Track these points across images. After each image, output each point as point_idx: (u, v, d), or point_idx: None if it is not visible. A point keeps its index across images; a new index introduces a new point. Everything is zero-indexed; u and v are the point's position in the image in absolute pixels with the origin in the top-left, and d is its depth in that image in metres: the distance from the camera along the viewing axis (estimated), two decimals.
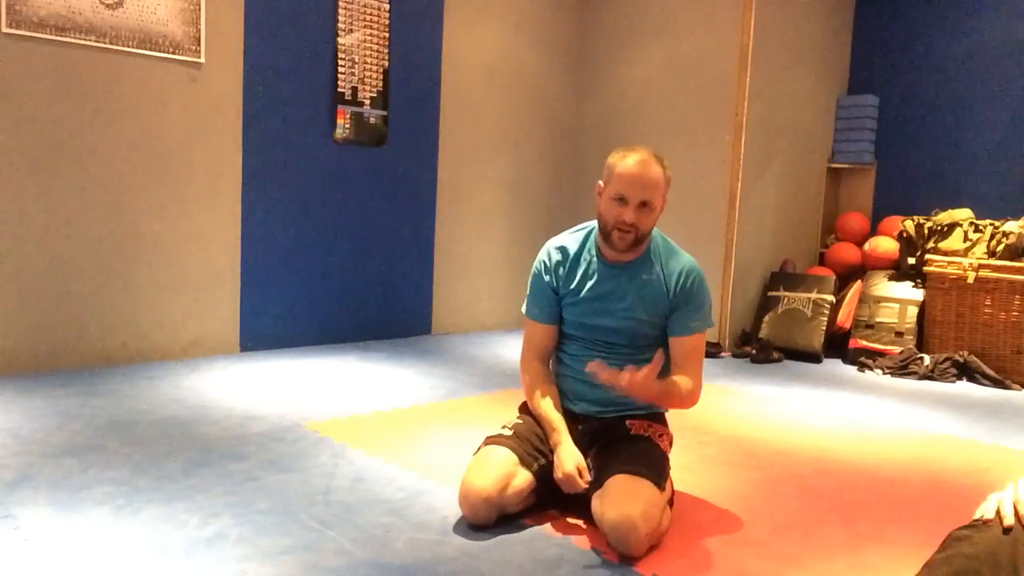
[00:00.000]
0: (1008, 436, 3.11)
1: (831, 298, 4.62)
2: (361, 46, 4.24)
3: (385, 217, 4.47)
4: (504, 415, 2.31)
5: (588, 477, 1.95)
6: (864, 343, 4.51)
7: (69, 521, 1.89)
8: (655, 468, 1.93)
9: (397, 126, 4.45)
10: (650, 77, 5.00)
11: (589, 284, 2.08)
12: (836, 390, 3.83)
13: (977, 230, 4.37)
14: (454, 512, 2.02)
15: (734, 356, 4.61)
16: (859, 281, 4.74)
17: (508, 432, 2.06)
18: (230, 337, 3.93)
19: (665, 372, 2.10)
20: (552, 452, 2.01)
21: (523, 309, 2.21)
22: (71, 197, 3.41)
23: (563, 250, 2.15)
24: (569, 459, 1.95)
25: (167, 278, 3.70)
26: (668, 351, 2.09)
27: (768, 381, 3.98)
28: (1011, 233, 4.22)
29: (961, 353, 4.21)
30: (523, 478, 1.97)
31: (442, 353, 4.26)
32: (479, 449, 2.05)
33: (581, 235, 2.16)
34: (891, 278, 4.66)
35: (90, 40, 3.38)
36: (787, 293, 4.75)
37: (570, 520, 2.03)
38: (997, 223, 4.35)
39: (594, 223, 2.12)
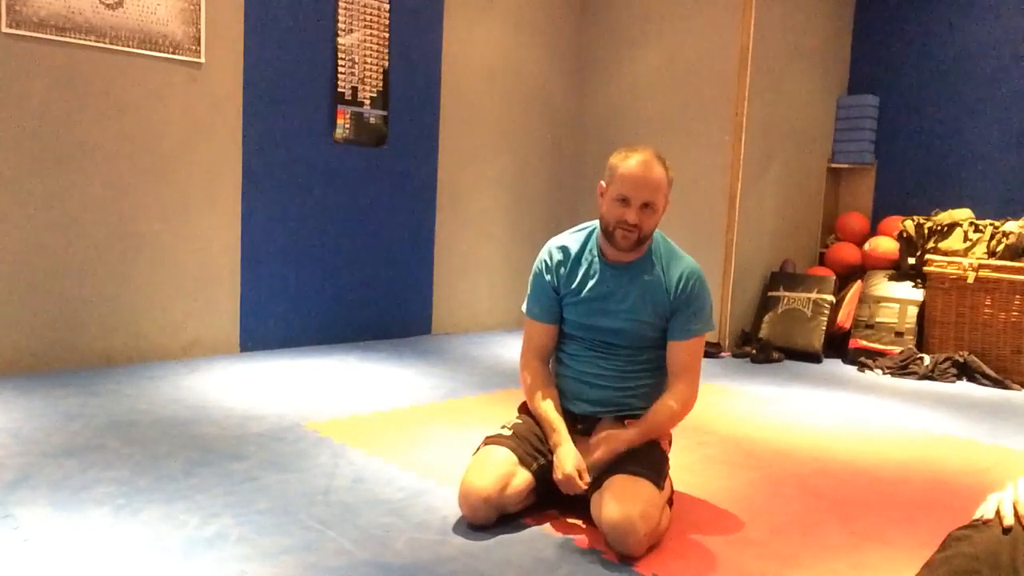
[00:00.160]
0: (1008, 436, 3.11)
1: (831, 298, 4.62)
2: (361, 46, 4.24)
3: (385, 217, 4.47)
4: (504, 415, 2.31)
5: (588, 478, 1.95)
6: (864, 343, 4.51)
7: (69, 521, 1.89)
8: (654, 468, 1.93)
9: (397, 126, 4.45)
10: (650, 77, 5.00)
11: (590, 284, 2.08)
12: (836, 390, 3.83)
13: (977, 230, 4.37)
14: (454, 512, 2.02)
15: (734, 356, 4.61)
16: (859, 281, 4.74)
17: (507, 432, 2.06)
18: (230, 337, 3.93)
19: (661, 374, 2.10)
20: (552, 452, 2.01)
21: (523, 308, 2.21)
22: (71, 197, 3.41)
23: (564, 250, 2.14)
24: (569, 460, 1.95)
25: (167, 278, 3.70)
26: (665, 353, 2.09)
27: (768, 381, 3.98)
28: (1011, 233, 4.22)
29: (961, 353, 4.21)
30: (522, 478, 1.97)
31: (442, 353, 4.26)
32: (478, 449, 2.05)
33: (583, 235, 2.16)
34: (891, 278, 4.66)
35: (90, 40, 3.38)
36: (787, 293, 4.75)
37: (570, 520, 2.03)
38: (997, 223, 4.35)
39: (596, 223, 2.12)
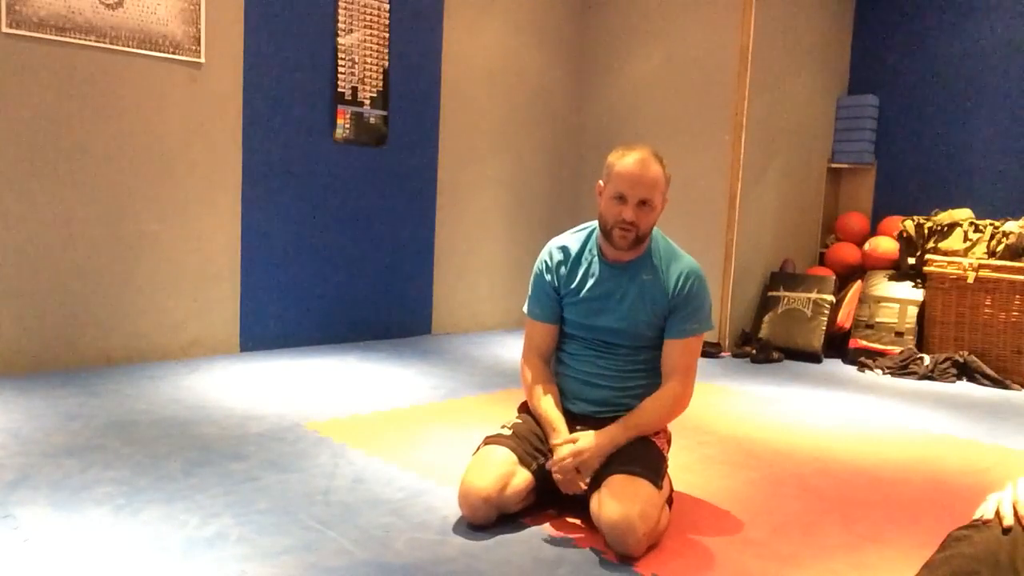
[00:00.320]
0: (1008, 436, 3.11)
1: (831, 298, 4.62)
2: (361, 46, 4.24)
3: (385, 217, 4.47)
4: (504, 415, 2.32)
5: (587, 478, 1.95)
6: (864, 343, 4.51)
7: (69, 521, 1.89)
8: (652, 467, 1.93)
9: (397, 126, 4.45)
10: (650, 77, 5.00)
11: (589, 283, 2.08)
12: (836, 390, 3.83)
13: (977, 230, 4.37)
14: (454, 512, 2.02)
15: (734, 356, 4.61)
16: (859, 281, 4.74)
17: (507, 432, 2.06)
18: (230, 337, 3.93)
19: (657, 373, 2.10)
20: (552, 452, 2.01)
21: (524, 308, 2.21)
22: (71, 197, 3.41)
23: (564, 250, 2.15)
24: (568, 449, 1.95)
25: (167, 278, 3.71)
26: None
27: (768, 381, 3.98)
28: (1011, 233, 4.22)
29: (961, 353, 4.21)
30: (522, 477, 1.97)
31: (442, 353, 4.26)
32: (478, 449, 2.05)
33: (583, 235, 2.16)
34: (891, 278, 4.66)
35: (90, 40, 3.38)
36: (787, 293, 4.75)
37: (570, 520, 2.03)
38: (997, 223, 4.35)
39: (596, 223, 2.12)
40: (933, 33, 4.98)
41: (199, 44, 3.67)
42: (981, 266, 4.21)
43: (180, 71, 3.65)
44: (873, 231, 5.09)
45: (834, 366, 4.46)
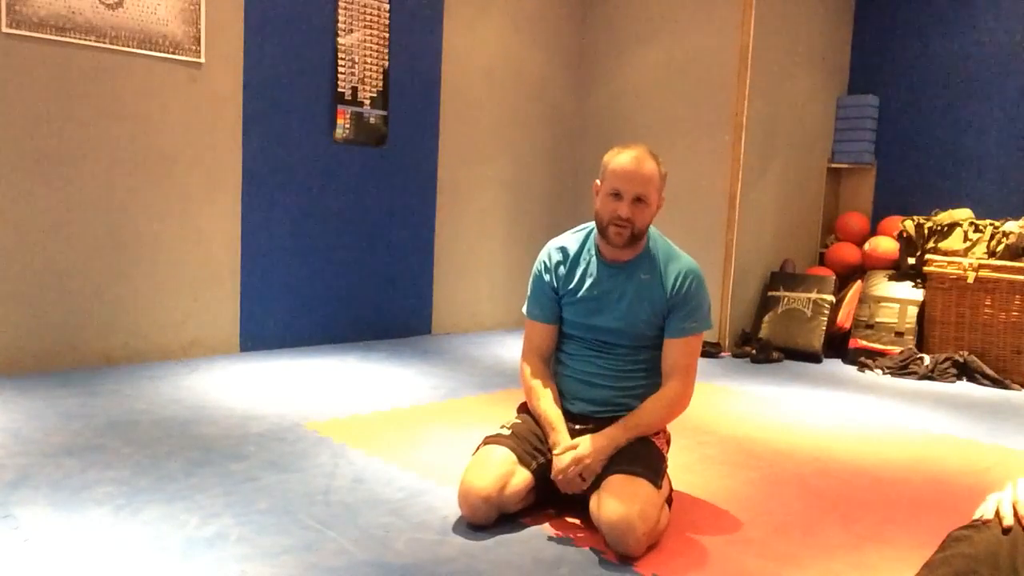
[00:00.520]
0: (1008, 436, 3.12)
1: (831, 298, 4.62)
2: (361, 46, 4.24)
3: (385, 217, 4.47)
4: (504, 415, 2.32)
5: (589, 481, 1.95)
6: (864, 343, 4.51)
7: (69, 521, 1.89)
8: (652, 467, 1.93)
9: (397, 126, 4.45)
10: (650, 77, 5.00)
11: (588, 283, 2.09)
12: (836, 390, 3.83)
13: (977, 230, 4.37)
14: (454, 512, 2.02)
15: (734, 356, 4.61)
16: (859, 281, 4.74)
17: (507, 432, 2.06)
18: (230, 337, 3.93)
19: (656, 373, 2.10)
20: (551, 452, 2.01)
21: (524, 309, 2.21)
22: (71, 197, 3.41)
23: (563, 250, 2.15)
24: (569, 460, 1.95)
25: (167, 278, 3.71)
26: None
27: (768, 381, 3.98)
28: (1011, 233, 4.22)
29: (961, 353, 4.21)
30: (522, 477, 1.97)
31: (442, 353, 4.26)
32: (478, 449, 2.05)
33: (581, 235, 2.17)
34: (891, 278, 4.66)
35: (90, 40, 3.38)
36: (787, 293, 4.75)
37: (569, 520, 2.03)
38: (997, 223, 4.35)
39: (594, 223, 2.12)
40: (933, 33, 4.98)
41: (199, 44, 3.67)
42: (981, 266, 4.21)
43: (180, 71, 3.65)
44: (873, 231, 5.09)
45: (834, 366, 4.46)
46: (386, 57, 4.35)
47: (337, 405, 3.08)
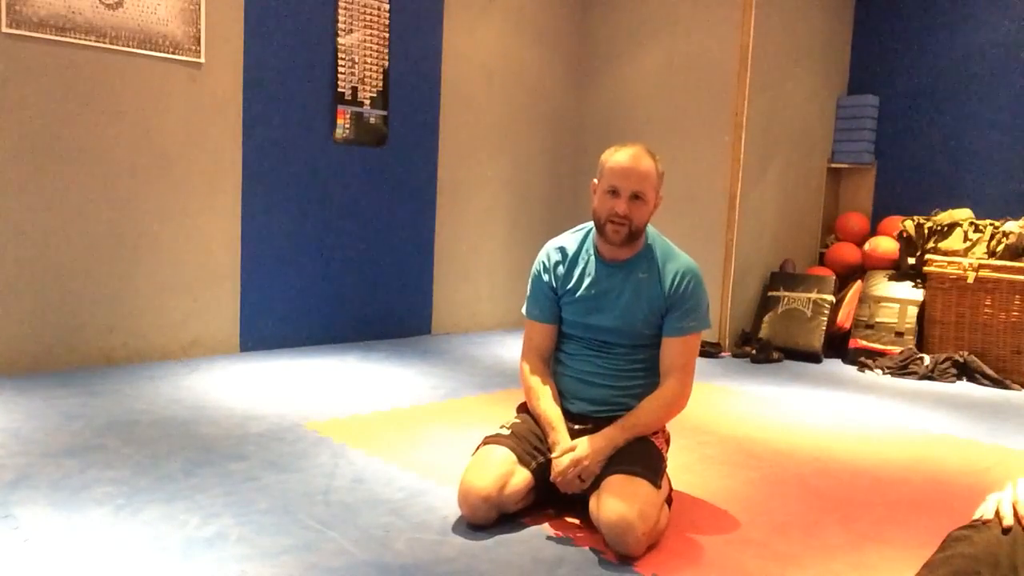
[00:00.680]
0: (1008, 436, 3.12)
1: (831, 298, 4.62)
2: (361, 46, 4.24)
3: (385, 217, 4.47)
4: (504, 415, 2.32)
5: (588, 481, 1.95)
6: (864, 343, 4.51)
7: (69, 521, 1.89)
8: (651, 467, 1.93)
9: (397, 126, 4.45)
10: (650, 77, 5.00)
11: (586, 283, 2.09)
12: (836, 390, 3.83)
13: (977, 230, 4.37)
14: (454, 512, 2.02)
15: (734, 356, 4.61)
16: (859, 281, 4.74)
17: (506, 432, 2.06)
18: (230, 337, 3.93)
19: (656, 373, 2.10)
20: (551, 451, 2.01)
21: (523, 310, 2.22)
22: (71, 197, 3.41)
23: (562, 250, 2.15)
24: (568, 460, 1.95)
25: (167, 278, 3.71)
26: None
27: (768, 381, 3.98)
28: (1011, 233, 4.22)
29: (961, 353, 4.21)
30: (521, 477, 1.97)
31: (442, 353, 4.26)
32: (477, 449, 2.05)
33: (580, 235, 2.17)
34: (891, 278, 4.66)
35: (90, 40, 3.38)
36: (787, 293, 4.75)
37: (569, 520, 2.03)
38: (997, 223, 4.35)
39: (593, 223, 2.12)
40: (933, 33, 4.98)
41: (199, 44, 3.67)
42: (981, 266, 4.21)
43: (180, 71, 3.65)
44: (873, 231, 5.09)
45: (834, 366, 4.46)
46: (386, 57, 4.35)
47: (337, 405, 3.08)
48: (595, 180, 2.07)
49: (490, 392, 3.44)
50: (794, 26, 4.85)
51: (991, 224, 4.35)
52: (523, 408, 2.20)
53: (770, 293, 4.84)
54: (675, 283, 2.04)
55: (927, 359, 4.23)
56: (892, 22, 5.15)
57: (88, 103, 3.41)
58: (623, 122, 5.13)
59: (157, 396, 3.07)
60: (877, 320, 4.53)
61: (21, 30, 3.21)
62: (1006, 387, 4.03)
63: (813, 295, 4.67)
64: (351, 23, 4.18)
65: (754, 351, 4.54)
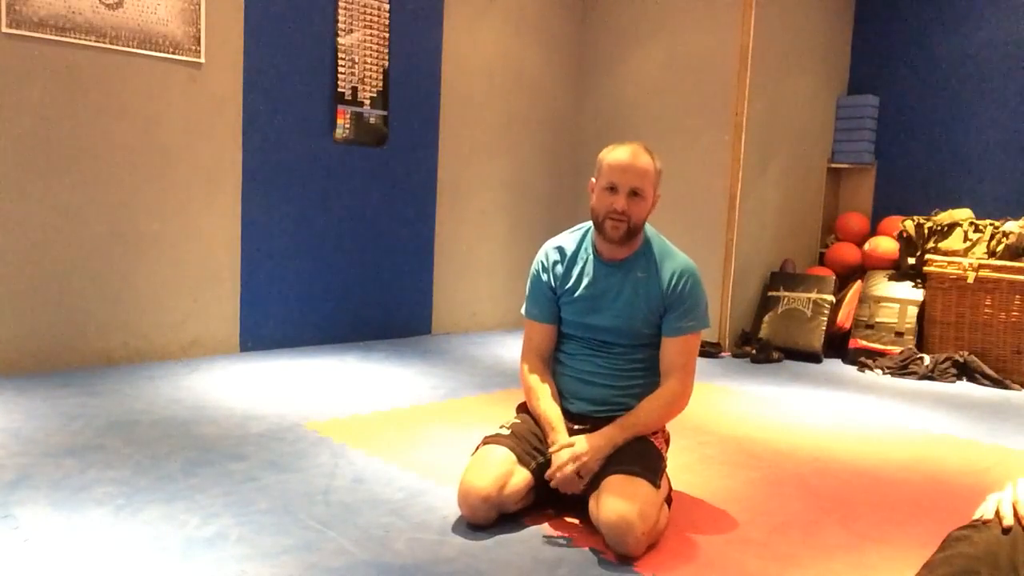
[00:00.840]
0: (1008, 436, 3.12)
1: (831, 298, 4.62)
2: (361, 46, 4.24)
3: (385, 217, 4.47)
4: (504, 415, 2.32)
5: (587, 480, 1.95)
6: (864, 343, 4.51)
7: (69, 521, 1.89)
8: (650, 467, 1.93)
9: (397, 126, 4.45)
10: (650, 77, 5.00)
11: (585, 282, 2.09)
12: (836, 390, 3.83)
13: (977, 230, 4.37)
14: (454, 512, 2.02)
15: (734, 356, 4.61)
16: (859, 281, 4.74)
17: (506, 432, 2.06)
18: (230, 337, 3.93)
19: (656, 372, 2.10)
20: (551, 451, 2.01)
21: (522, 310, 2.22)
22: (71, 197, 3.41)
23: (560, 250, 2.15)
24: (567, 454, 1.95)
25: (167, 278, 3.71)
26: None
27: (768, 381, 3.98)
28: (1011, 233, 4.22)
29: (961, 353, 4.21)
30: (521, 477, 1.97)
31: (442, 353, 4.26)
32: (477, 449, 2.05)
33: (578, 234, 2.17)
34: (891, 278, 4.66)
35: (90, 40, 3.38)
36: (787, 293, 4.75)
37: (569, 520, 2.03)
38: (997, 223, 4.35)
39: (591, 223, 2.12)
40: (933, 33, 4.98)
41: (199, 44, 3.67)
42: (981, 266, 4.21)
43: (180, 71, 3.65)
44: (873, 231, 5.09)
45: (834, 366, 4.46)
46: (386, 57, 4.35)
47: (337, 405, 3.08)
48: (593, 179, 2.07)
49: (490, 392, 3.44)
50: (794, 26, 4.85)
51: (991, 224, 4.35)
52: (523, 408, 2.20)
53: (770, 293, 4.84)
54: (673, 283, 2.04)
55: (927, 359, 4.23)
56: (892, 22, 5.15)
57: (88, 103, 3.41)
58: (623, 122, 5.13)
59: (157, 396, 3.07)
60: (877, 320, 4.53)
61: (21, 30, 3.21)
62: (1006, 387, 4.03)
63: (813, 295, 4.67)
64: (351, 23, 4.18)
65: (754, 351, 4.54)
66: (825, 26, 5.12)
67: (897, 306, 4.53)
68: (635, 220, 2.00)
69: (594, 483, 1.92)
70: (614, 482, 1.86)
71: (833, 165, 5.29)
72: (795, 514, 2.19)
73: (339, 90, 4.17)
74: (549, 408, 2.06)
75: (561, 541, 1.91)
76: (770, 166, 4.84)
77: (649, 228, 2.11)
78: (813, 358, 4.54)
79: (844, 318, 4.62)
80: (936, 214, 4.60)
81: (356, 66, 4.22)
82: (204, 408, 2.94)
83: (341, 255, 4.31)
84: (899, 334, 4.45)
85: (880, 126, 5.21)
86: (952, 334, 4.33)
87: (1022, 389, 4.02)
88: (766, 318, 4.75)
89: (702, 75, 4.73)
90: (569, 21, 5.30)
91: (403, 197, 4.54)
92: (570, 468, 1.92)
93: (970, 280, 4.23)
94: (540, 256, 2.18)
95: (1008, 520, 1.20)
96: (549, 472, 1.95)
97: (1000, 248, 4.23)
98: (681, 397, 2.06)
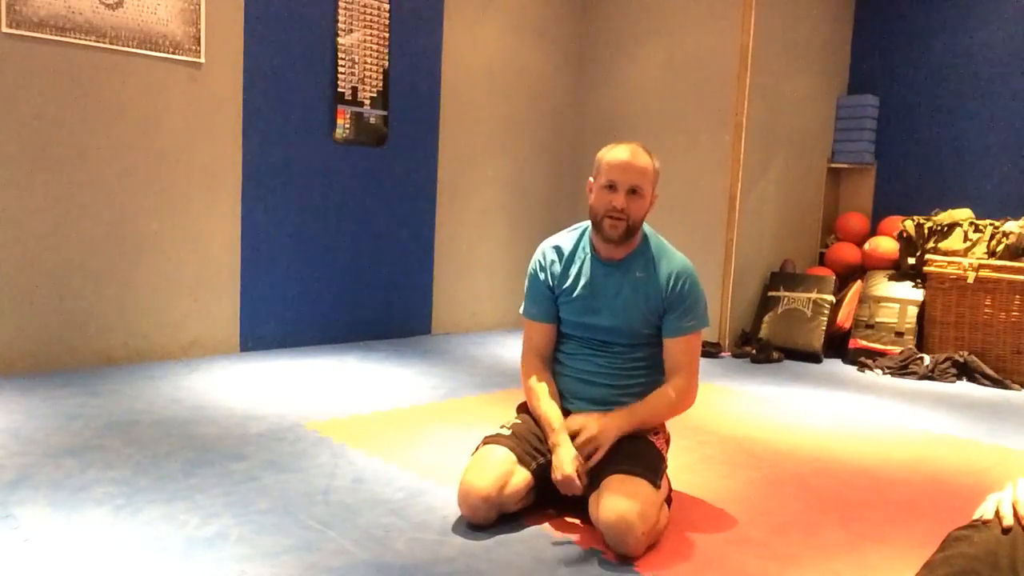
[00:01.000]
0: (1008, 436, 3.12)
1: (831, 298, 4.62)
2: (361, 46, 4.24)
3: (385, 217, 4.47)
4: (504, 415, 2.32)
5: (586, 480, 1.95)
6: (864, 343, 4.50)
7: (69, 521, 1.89)
8: (650, 467, 1.93)
9: (397, 126, 4.45)
10: (650, 77, 5.00)
11: (583, 282, 2.09)
12: (836, 390, 3.83)
13: (977, 230, 4.37)
14: (454, 512, 2.02)
15: (734, 356, 4.61)
16: (859, 281, 4.74)
17: (506, 432, 2.06)
18: (230, 337, 3.93)
19: (658, 372, 2.10)
20: (551, 452, 2.01)
21: (521, 310, 2.22)
22: (71, 197, 3.41)
23: (558, 249, 2.16)
24: (568, 461, 1.95)
25: (167, 278, 3.71)
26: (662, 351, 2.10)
27: (768, 381, 3.98)
28: (1011, 233, 4.22)
29: (961, 353, 4.21)
30: (521, 477, 1.97)
31: (442, 353, 4.26)
32: (477, 449, 2.05)
33: (576, 234, 2.17)
34: (891, 278, 4.66)
35: (90, 40, 3.38)
36: (787, 293, 4.75)
37: (569, 520, 2.03)
38: (997, 223, 4.35)
39: (589, 223, 2.13)
40: (933, 33, 4.98)
41: (199, 44, 3.67)
42: (981, 266, 4.21)
43: (180, 71, 3.65)
44: (873, 231, 5.09)
45: (834, 366, 4.46)
46: (386, 57, 4.35)
47: (337, 405, 3.08)
48: (591, 178, 2.08)
49: (490, 392, 3.44)
50: (794, 26, 4.85)
51: (991, 224, 4.35)
52: (523, 408, 2.20)
53: (770, 293, 4.84)
54: (671, 283, 2.05)
55: (927, 359, 4.23)
56: (892, 22, 5.15)
57: (88, 103, 3.41)
58: (623, 122, 5.13)
59: (157, 396, 3.07)
60: (877, 320, 4.53)
61: (21, 30, 3.21)
62: (1006, 387, 4.03)
63: (813, 295, 4.67)
64: (351, 23, 4.18)
65: (754, 351, 4.54)
66: (825, 26, 5.12)
67: (897, 306, 4.53)
68: (634, 219, 2.01)
69: (594, 483, 1.93)
70: (614, 482, 1.86)
71: (833, 165, 5.28)
72: (795, 514, 2.19)
73: (339, 90, 4.17)
74: (549, 409, 2.06)
75: (561, 541, 1.91)
76: (770, 166, 4.84)
77: (646, 227, 2.12)
78: (813, 358, 4.54)
79: (844, 318, 4.62)
80: (936, 214, 4.60)
81: (356, 66, 4.22)
82: (204, 408, 2.94)
83: (341, 255, 4.31)
84: (899, 334, 4.45)
85: (880, 126, 5.21)
86: (952, 334, 4.33)
87: (1022, 389, 4.02)
88: (766, 318, 4.75)
89: (702, 75, 4.73)
90: (569, 21, 5.30)
91: (403, 197, 4.54)
92: (570, 468, 1.92)
93: (970, 280, 4.23)
94: (537, 255, 2.18)
95: (1008, 520, 1.20)
96: (552, 474, 1.95)
97: (1000, 248, 4.23)
98: (689, 393, 2.07)
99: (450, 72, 4.67)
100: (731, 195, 4.64)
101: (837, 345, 4.66)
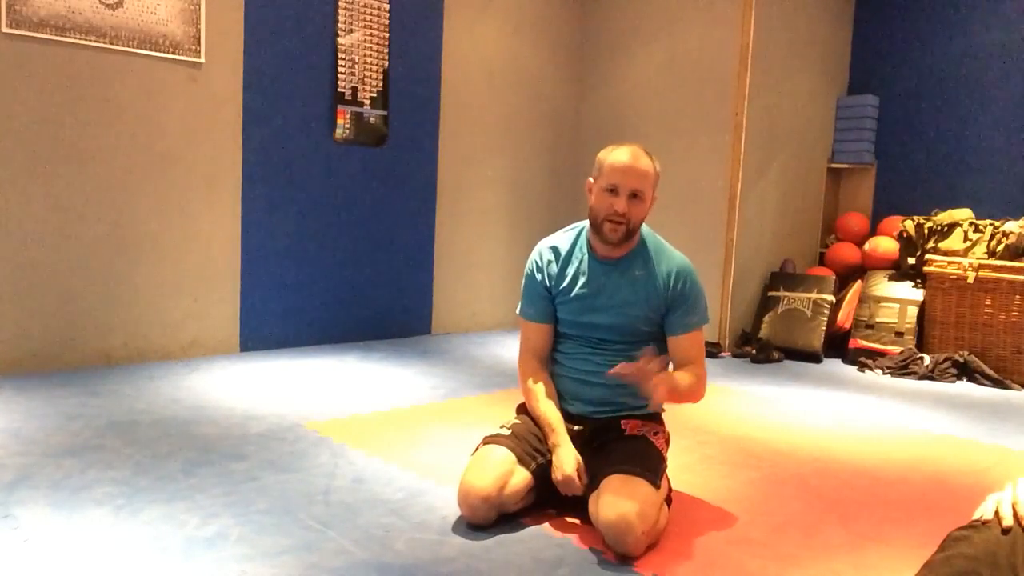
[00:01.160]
0: (1008, 436, 3.11)
1: (831, 298, 4.62)
2: (361, 46, 4.24)
3: (385, 217, 4.47)
4: (504, 415, 2.32)
5: (586, 480, 1.95)
6: (864, 343, 4.50)
7: (69, 521, 1.89)
8: (650, 467, 1.93)
9: (397, 126, 4.45)
10: (650, 77, 5.00)
11: (581, 281, 2.09)
12: (836, 390, 3.83)
13: (977, 230, 4.37)
14: (454, 512, 2.02)
15: (734, 356, 4.61)
16: (859, 281, 4.74)
17: (506, 432, 2.06)
18: (230, 337, 3.93)
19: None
20: (551, 452, 2.01)
21: (518, 311, 2.22)
22: (71, 197, 3.41)
23: (555, 249, 2.16)
24: (568, 461, 1.95)
25: (167, 278, 3.71)
26: (665, 349, 2.11)
27: (768, 381, 3.98)
28: (1011, 233, 4.22)
29: (961, 353, 4.21)
30: (521, 477, 1.97)
31: (442, 353, 4.26)
32: (477, 449, 2.05)
33: (572, 234, 2.17)
34: (891, 278, 4.66)
35: (90, 40, 3.38)
36: (787, 293, 4.75)
37: (569, 520, 2.03)
38: (997, 223, 4.35)
39: (586, 223, 2.13)
40: (933, 33, 4.98)
41: (199, 44, 3.67)
42: (981, 266, 4.21)
43: (180, 71, 3.65)
44: (873, 231, 5.09)
45: (834, 366, 4.46)
46: (386, 57, 4.35)
47: (337, 405, 3.08)
48: (591, 179, 2.07)
49: (490, 392, 3.44)
50: (794, 26, 4.85)
51: (991, 224, 4.35)
52: (523, 409, 2.20)
53: (770, 293, 4.84)
54: (672, 282, 2.06)
55: (927, 359, 4.23)
56: (892, 22, 5.15)
57: (88, 103, 3.41)
58: (622, 122, 5.13)
59: (157, 396, 3.07)
60: (877, 320, 4.53)
61: (21, 30, 3.21)
62: (1006, 387, 4.03)
63: (813, 295, 4.67)
64: (351, 23, 4.18)
65: (754, 351, 4.54)
66: (825, 26, 5.12)
67: (897, 306, 4.53)
68: (634, 222, 2.01)
69: (593, 483, 1.93)
70: (614, 482, 1.86)
71: (833, 165, 5.28)
72: (795, 514, 2.19)
73: (339, 90, 4.17)
74: (548, 409, 2.06)
75: (561, 541, 1.91)
76: (770, 166, 4.84)
77: (644, 226, 2.12)
78: (813, 358, 4.54)
79: (844, 318, 4.62)
80: (936, 214, 4.60)
81: (356, 66, 4.22)
82: (204, 408, 2.94)
83: (341, 255, 4.31)
84: (899, 334, 4.45)
85: (880, 126, 5.21)
86: (952, 334, 4.33)
87: (1022, 389, 4.02)
88: (766, 318, 4.75)
89: (702, 75, 4.73)
90: (569, 21, 5.30)
91: (403, 197, 4.54)
92: (570, 469, 1.92)
93: (970, 280, 4.23)
94: (534, 256, 2.18)
95: (1008, 520, 1.20)
96: (561, 471, 1.92)
97: (1000, 248, 4.23)
98: (704, 381, 2.10)
99: (450, 72, 4.67)
100: (731, 195, 4.64)
101: (837, 345, 4.66)
